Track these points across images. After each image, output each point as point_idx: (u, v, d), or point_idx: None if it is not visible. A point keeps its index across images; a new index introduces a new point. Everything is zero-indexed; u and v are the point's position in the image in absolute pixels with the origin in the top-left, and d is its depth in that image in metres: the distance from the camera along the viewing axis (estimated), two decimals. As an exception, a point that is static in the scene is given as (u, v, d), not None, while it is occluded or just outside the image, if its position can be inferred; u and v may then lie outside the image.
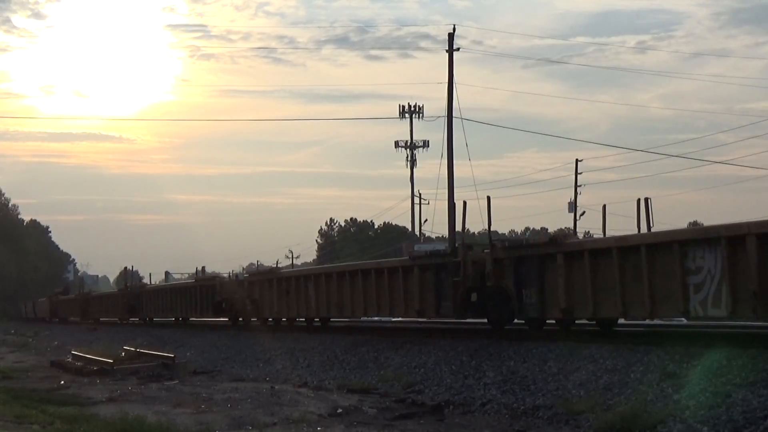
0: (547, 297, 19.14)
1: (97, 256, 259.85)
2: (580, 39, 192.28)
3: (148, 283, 56.20)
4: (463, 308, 21.43)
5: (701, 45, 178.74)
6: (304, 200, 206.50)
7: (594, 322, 19.40)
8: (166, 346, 31.19)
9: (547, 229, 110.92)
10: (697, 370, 13.57)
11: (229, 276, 38.08)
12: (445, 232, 48.02)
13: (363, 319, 28.46)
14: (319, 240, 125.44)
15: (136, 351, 28.01)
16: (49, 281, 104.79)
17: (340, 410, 15.39)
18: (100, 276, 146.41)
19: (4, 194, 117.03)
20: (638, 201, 18.91)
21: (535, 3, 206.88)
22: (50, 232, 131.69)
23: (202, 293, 38.43)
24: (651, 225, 18.46)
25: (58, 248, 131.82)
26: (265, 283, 32.09)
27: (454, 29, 46.94)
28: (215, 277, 39.24)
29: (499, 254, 20.47)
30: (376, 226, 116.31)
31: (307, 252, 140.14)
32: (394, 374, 19.06)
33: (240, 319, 34.59)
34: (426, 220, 75.03)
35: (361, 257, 71.02)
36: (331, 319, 29.47)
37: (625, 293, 17.22)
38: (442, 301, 22.17)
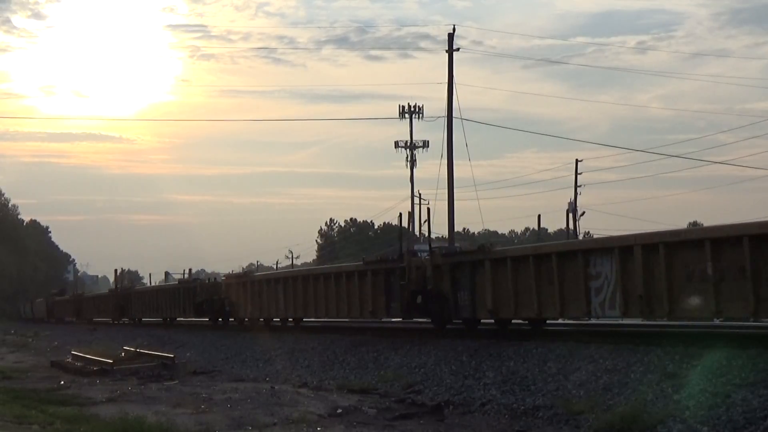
0: (477, 299, 20.86)
1: (97, 256, 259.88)
2: (580, 39, 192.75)
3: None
4: (410, 309, 23.09)
5: (701, 45, 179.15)
6: (304, 200, 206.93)
7: (527, 322, 20.62)
8: (165, 347, 31.21)
9: (546, 230, 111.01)
10: (697, 370, 13.57)
11: (227, 276, 39.11)
12: (446, 232, 48.03)
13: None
14: (319, 240, 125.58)
15: (135, 351, 28.02)
16: (49, 281, 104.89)
17: (340, 410, 15.39)
18: (100, 276, 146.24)
19: (4, 194, 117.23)
20: (567, 212, 20.11)
21: (535, 3, 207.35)
22: (50, 232, 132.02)
23: (185, 295, 39.94)
24: (578, 232, 19.57)
25: (58, 248, 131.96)
26: (240, 286, 33.38)
27: (453, 29, 46.91)
28: (196, 280, 41.78)
29: (437, 260, 22.35)
30: (376, 227, 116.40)
31: (307, 252, 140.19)
32: (394, 374, 19.06)
33: (219, 319, 35.70)
34: (426, 220, 74.99)
35: (360, 257, 70.95)
36: (304, 319, 30.22)
37: (540, 296, 18.95)
38: (391, 303, 23.86)
